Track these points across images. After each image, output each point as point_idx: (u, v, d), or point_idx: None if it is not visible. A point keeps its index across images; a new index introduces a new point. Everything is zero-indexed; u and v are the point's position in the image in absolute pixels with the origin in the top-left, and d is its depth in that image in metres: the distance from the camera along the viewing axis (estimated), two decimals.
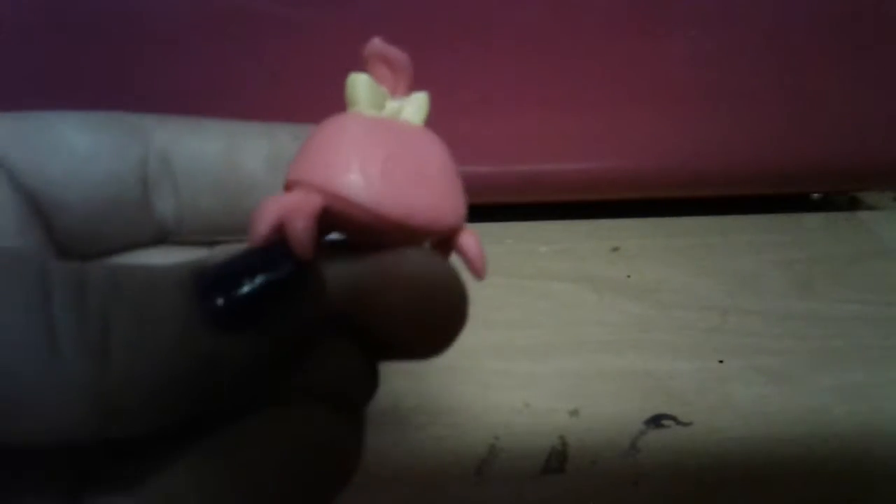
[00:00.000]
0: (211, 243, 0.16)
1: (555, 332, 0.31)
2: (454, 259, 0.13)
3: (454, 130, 0.13)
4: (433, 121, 0.13)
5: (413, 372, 0.28)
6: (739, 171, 0.38)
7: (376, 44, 0.13)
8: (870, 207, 0.43)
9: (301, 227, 0.11)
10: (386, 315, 0.12)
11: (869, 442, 0.26)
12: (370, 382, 0.13)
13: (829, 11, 0.33)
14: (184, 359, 0.10)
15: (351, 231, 0.12)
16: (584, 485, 0.24)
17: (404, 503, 0.23)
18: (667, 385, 0.28)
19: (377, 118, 0.13)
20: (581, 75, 0.34)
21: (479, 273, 0.13)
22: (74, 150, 0.14)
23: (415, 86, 0.13)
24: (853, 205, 0.43)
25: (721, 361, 0.29)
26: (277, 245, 0.11)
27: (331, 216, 0.12)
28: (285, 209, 0.11)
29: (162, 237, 0.16)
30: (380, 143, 0.12)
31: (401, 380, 0.27)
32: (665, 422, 0.26)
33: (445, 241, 0.13)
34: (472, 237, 0.13)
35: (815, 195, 0.42)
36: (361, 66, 0.13)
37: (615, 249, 0.37)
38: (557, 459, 0.24)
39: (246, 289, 0.10)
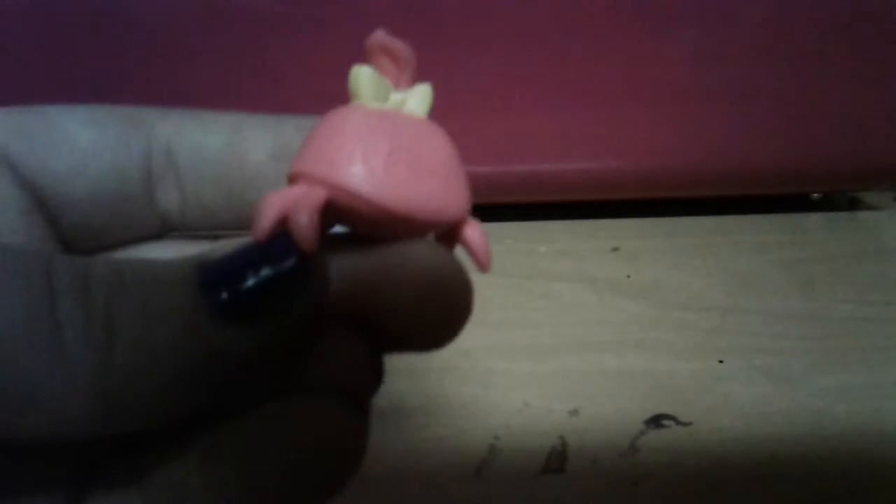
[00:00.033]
0: (215, 236, 0.16)
1: (555, 332, 0.31)
2: (459, 251, 0.13)
3: (454, 130, 0.13)
4: (435, 116, 0.13)
5: (413, 372, 0.28)
6: (739, 171, 0.38)
7: (379, 35, 0.13)
8: (870, 207, 0.43)
9: (305, 221, 0.11)
10: (390, 307, 0.12)
11: (869, 442, 0.26)
12: (375, 375, 0.13)
13: (829, 11, 0.33)
14: (188, 352, 0.10)
15: (355, 224, 0.12)
16: (584, 485, 0.24)
17: (404, 503, 0.23)
18: (667, 385, 0.28)
19: (381, 110, 0.13)
20: (581, 75, 0.34)
21: (483, 265, 0.13)
22: (77, 144, 0.14)
23: (417, 79, 0.13)
24: (853, 205, 0.43)
25: (721, 361, 0.29)
26: (281, 238, 0.11)
27: (335, 209, 0.12)
28: (289, 202, 0.11)
29: (166, 230, 0.16)
30: (383, 136, 0.12)
31: (401, 380, 0.27)
32: (665, 422, 0.26)
33: (450, 233, 0.13)
34: (477, 229, 0.13)
35: (815, 195, 0.42)
36: (364, 59, 0.13)
37: (615, 249, 0.37)
38: (557, 459, 0.24)
39: (250, 282, 0.10)
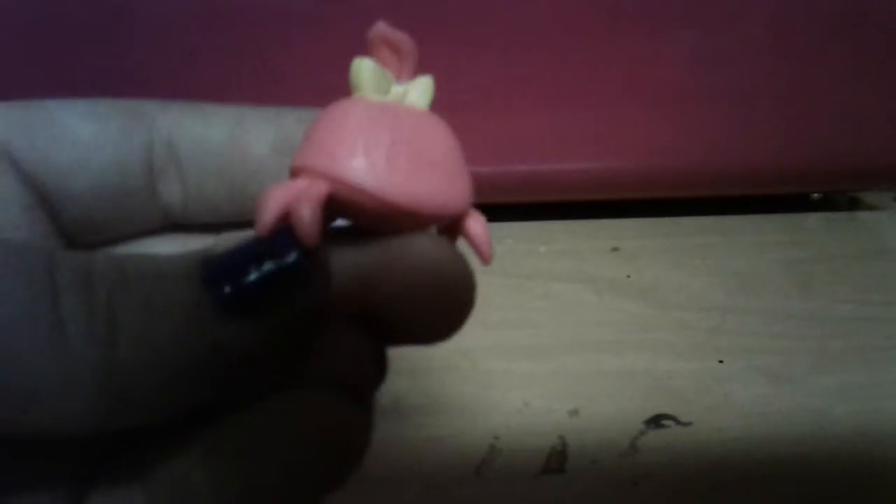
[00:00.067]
0: (217, 230, 0.16)
1: (555, 332, 0.31)
2: (461, 244, 0.13)
3: (454, 130, 0.13)
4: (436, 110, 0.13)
5: (413, 372, 0.28)
6: (739, 171, 0.38)
7: (381, 27, 0.13)
8: (870, 207, 0.43)
9: (307, 215, 0.11)
10: (393, 301, 0.12)
11: (869, 442, 0.26)
12: (378, 368, 0.13)
13: (829, 11, 0.33)
14: (191, 347, 0.10)
15: (357, 217, 0.12)
16: (584, 485, 0.24)
17: (404, 503, 0.23)
18: (667, 385, 0.28)
19: (382, 103, 0.13)
20: (581, 75, 0.34)
21: (485, 257, 0.13)
22: (79, 138, 0.14)
23: (418, 73, 0.13)
24: (853, 205, 0.43)
25: (721, 361, 0.29)
26: (283, 232, 0.11)
27: (337, 202, 0.12)
28: (291, 196, 0.11)
29: (168, 224, 0.16)
30: (385, 128, 0.12)
31: (401, 380, 0.27)
32: (665, 422, 0.26)
33: (452, 225, 0.13)
34: (479, 222, 0.13)
35: (815, 195, 0.42)
36: (366, 51, 0.13)
37: (615, 249, 0.37)
38: (557, 459, 0.24)
39: (253, 276, 0.10)
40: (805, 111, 0.36)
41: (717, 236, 0.39)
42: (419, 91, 0.13)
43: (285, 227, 0.11)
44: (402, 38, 0.13)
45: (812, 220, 0.41)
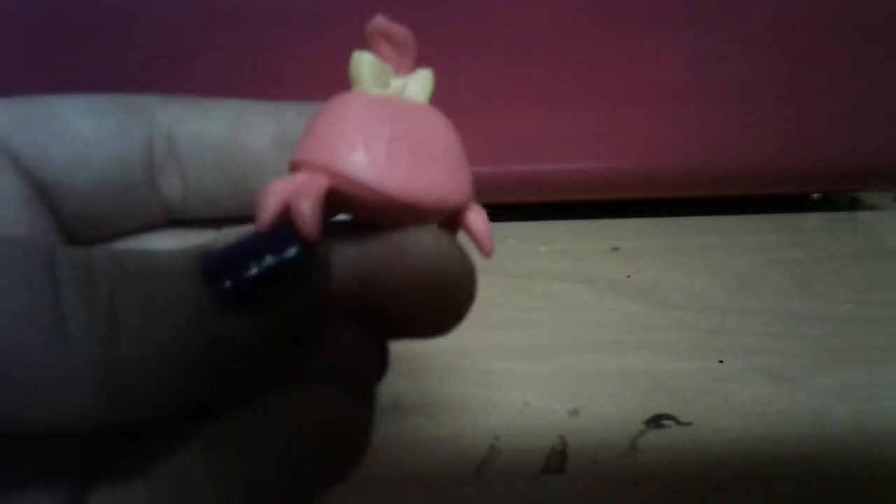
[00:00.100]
0: (218, 225, 0.16)
1: (555, 332, 0.31)
2: (462, 237, 0.13)
3: (453, 124, 0.13)
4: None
5: (413, 372, 0.28)
6: (739, 171, 0.38)
7: (379, 21, 0.13)
8: (870, 207, 0.43)
9: (307, 209, 0.11)
10: (394, 295, 0.12)
11: (869, 442, 0.26)
12: (379, 362, 0.13)
13: (829, 11, 0.33)
14: (192, 342, 0.10)
15: (358, 211, 0.12)
16: (584, 485, 0.24)
17: (404, 503, 0.23)
18: (667, 385, 0.28)
19: (382, 96, 0.13)
20: (581, 75, 0.34)
21: (486, 251, 0.13)
22: (79, 133, 0.14)
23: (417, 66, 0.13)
24: (853, 205, 0.43)
25: (721, 361, 0.29)
26: (284, 227, 0.11)
27: (337, 197, 0.12)
28: (291, 191, 0.11)
29: (169, 219, 0.16)
30: (385, 122, 0.12)
31: (401, 380, 0.27)
32: (665, 422, 0.26)
33: (453, 218, 0.13)
34: (480, 215, 0.13)
35: (815, 195, 0.42)
36: (365, 45, 0.13)
37: (615, 249, 0.37)
38: (557, 459, 0.24)
39: (253, 271, 0.10)
40: (805, 111, 0.36)
41: (717, 236, 0.39)
42: (419, 84, 0.13)
43: (285, 221, 0.11)
44: (400, 31, 0.13)
45: (812, 220, 0.41)
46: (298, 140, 0.12)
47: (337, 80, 0.13)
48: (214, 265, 0.10)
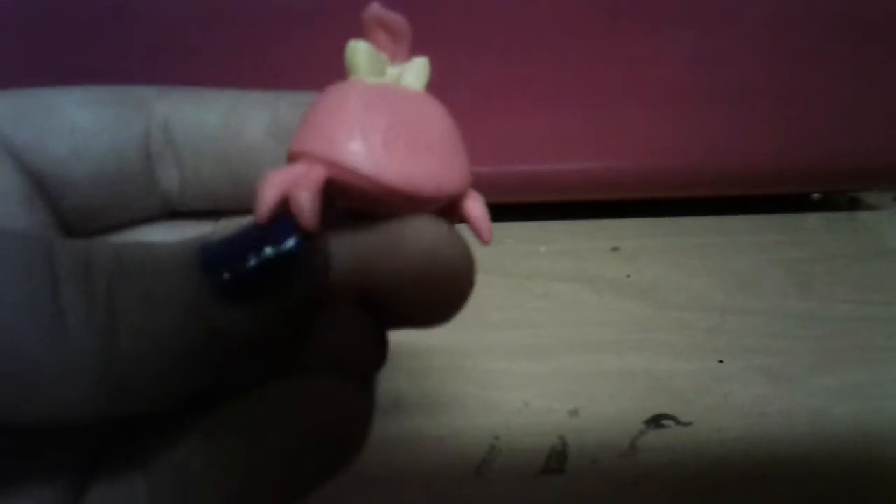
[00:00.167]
0: (217, 216, 0.16)
1: (555, 332, 0.31)
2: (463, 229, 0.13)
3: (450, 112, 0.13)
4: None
5: (413, 372, 0.28)
6: (739, 171, 0.38)
7: (375, 9, 0.13)
8: (870, 207, 0.43)
9: (306, 200, 0.11)
10: (393, 284, 0.12)
11: (869, 442, 0.26)
12: (379, 351, 0.13)
13: (829, 11, 0.33)
14: (191, 334, 0.10)
15: (356, 201, 0.12)
16: (584, 485, 0.24)
17: (404, 503, 0.23)
18: (667, 385, 0.28)
19: (378, 85, 0.12)
20: (581, 75, 0.34)
21: (484, 237, 0.13)
22: (76, 126, 0.14)
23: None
24: (853, 205, 0.43)
25: (721, 361, 0.29)
26: (282, 218, 0.11)
27: (335, 186, 0.12)
28: (289, 182, 0.11)
29: (167, 210, 0.16)
30: (381, 111, 0.12)
31: (401, 380, 0.27)
32: (665, 422, 0.26)
33: (451, 206, 0.13)
34: (477, 202, 0.13)
35: (815, 195, 0.42)
36: (360, 33, 0.13)
37: (615, 249, 0.37)
38: (557, 459, 0.24)
39: (252, 262, 0.10)
40: (805, 111, 0.36)
41: (717, 236, 0.39)
42: (415, 72, 0.13)
43: (284, 212, 0.11)
44: (396, 19, 0.13)
45: (812, 220, 0.41)
46: (295, 130, 0.12)
47: (337, 75, 0.13)
48: (213, 257, 0.10)
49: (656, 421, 0.26)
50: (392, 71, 0.13)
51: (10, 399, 0.09)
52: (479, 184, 0.14)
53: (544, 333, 0.31)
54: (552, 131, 0.35)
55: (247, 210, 0.11)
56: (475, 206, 0.13)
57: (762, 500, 0.23)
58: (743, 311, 0.32)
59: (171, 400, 0.10)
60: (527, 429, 0.26)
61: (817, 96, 0.35)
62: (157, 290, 0.10)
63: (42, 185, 0.14)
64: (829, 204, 0.42)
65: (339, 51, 0.13)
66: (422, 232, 0.12)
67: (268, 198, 0.11)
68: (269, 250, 0.11)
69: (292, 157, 0.12)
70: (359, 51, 0.12)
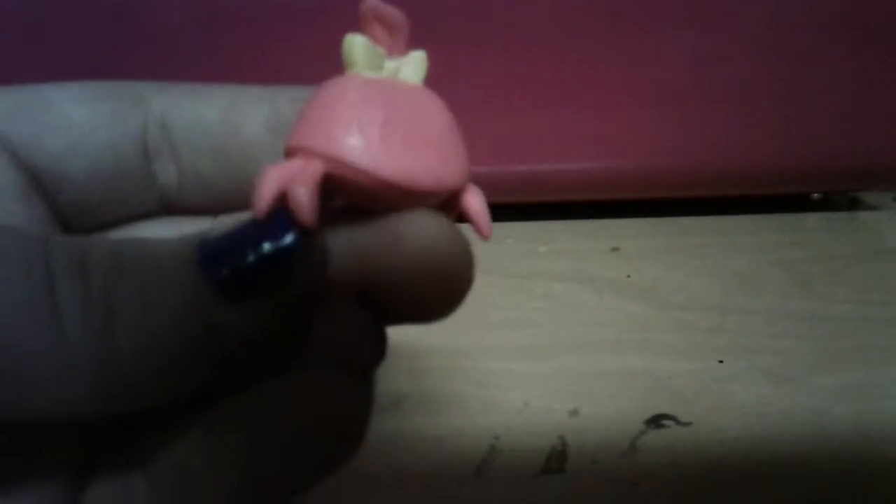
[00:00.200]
0: (215, 213, 0.16)
1: (555, 332, 0.31)
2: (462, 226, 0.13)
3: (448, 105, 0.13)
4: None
5: (413, 372, 0.28)
6: (739, 171, 0.38)
7: (371, 3, 0.13)
8: (870, 207, 0.43)
9: (304, 195, 0.11)
10: (392, 279, 0.12)
11: (869, 442, 0.26)
12: (378, 347, 0.13)
13: (829, 11, 0.33)
14: (189, 331, 0.10)
15: (354, 196, 0.12)
16: (584, 485, 0.24)
17: (404, 503, 0.23)
18: (667, 385, 0.28)
19: (375, 79, 0.12)
20: (581, 75, 0.34)
21: (483, 232, 0.13)
22: (73, 122, 0.14)
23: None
24: (853, 205, 0.43)
25: (721, 361, 0.29)
26: (281, 214, 0.11)
27: (333, 182, 0.11)
28: (287, 177, 0.11)
29: (165, 206, 0.16)
30: (379, 105, 0.12)
31: (401, 380, 0.27)
32: (665, 422, 0.26)
33: (450, 201, 0.13)
34: (477, 196, 0.13)
35: (815, 195, 0.42)
36: (357, 27, 0.13)
37: (615, 249, 0.37)
38: (557, 459, 0.24)
39: (250, 258, 0.10)
40: (805, 111, 0.36)
41: (717, 236, 0.39)
42: (412, 66, 0.13)
43: (282, 208, 0.11)
44: (393, 12, 0.13)
45: (812, 220, 0.41)
46: (293, 125, 0.12)
47: (338, 73, 0.13)
48: (211, 253, 0.10)
49: (656, 421, 0.26)
50: (390, 65, 0.13)
51: (8, 396, 0.09)
52: (479, 184, 0.14)
53: (544, 333, 0.31)
54: (552, 131, 0.35)
55: (246, 206, 0.11)
56: (474, 201, 0.13)
57: (762, 500, 0.23)
58: (743, 311, 0.32)
59: (170, 396, 0.10)
60: (527, 429, 0.26)
61: (817, 96, 0.35)
62: (154, 286, 0.10)
63: (39, 181, 0.14)
64: (829, 204, 0.42)
65: (340, 48, 0.13)
66: (420, 227, 0.12)
67: (265, 193, 0.11)
68: (266, 246, 0.11)
69: (290, 153, 0.12)
70: (356, 45, 0.12)
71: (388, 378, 0.27)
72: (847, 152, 0.37)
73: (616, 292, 0.34)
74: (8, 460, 0.10)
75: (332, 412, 0.11)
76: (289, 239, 0.11)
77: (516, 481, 0.24)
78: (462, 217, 0.13)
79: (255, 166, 0.12)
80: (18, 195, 0.13)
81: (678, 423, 0.26)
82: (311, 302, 0.11)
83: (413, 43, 0.13)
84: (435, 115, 0.13)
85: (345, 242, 0.12)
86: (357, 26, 0.13)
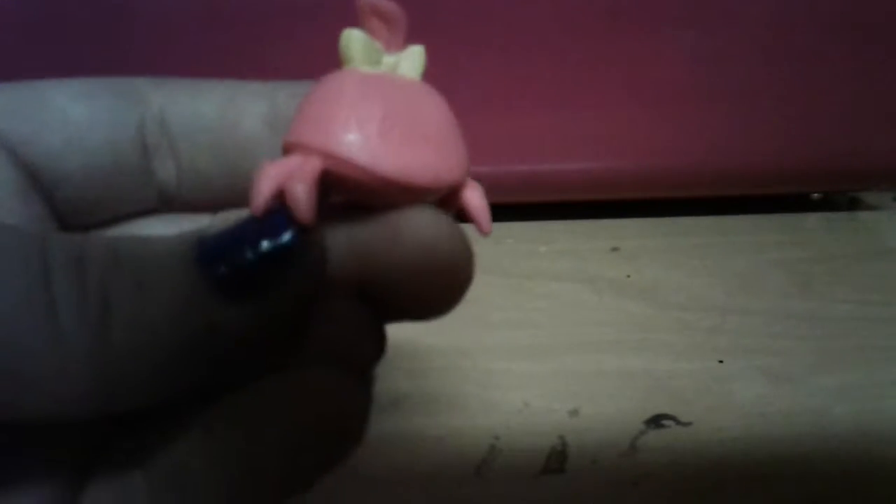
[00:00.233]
0: (214, 210, 0.16)
1: (555, 332, 0.31)
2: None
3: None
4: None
5: (413, 371, 0.28)
6: (739, 171, 0.38)
7: None
8: (870, 207, 0.43)
9: (301, 192, 0.11)
10: (391, 276, 0.12)
11: (869, 442, 0.25)
12: (377, 344, 0.13)
13: (829, 11, 0.33)
14: (186, 328, 0.10)
15: (352, 192, 0.12)
16: (584, 485, 0.24)
17: (404, 503, 0.23)
18: (667, 385, 0.28)
19: (373, 74, 0.12)
20: (581, 75, 0.34)
21: (483, 228, 0.13)
22: (70, 118, 0.14)
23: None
24: (853, 205, 0.43)
25: (721, 361, 0.29)
26: (278, 212, 0.11)
27: (331, 178, 0.11)
28: (284, 174, 0.11)
29: (164, 203, 0.16)
30: (376, 101, 0.12)
31: (401, 380, 0.27)
32: (665, 422, 0.26)
33: (449, 197, 0.13)
34: (476, 192, 0.13)
35: (815, 195, 0.42)
36: (356, 23, 0.13)
37: (615, 249, 0.37)
38: (557, 459, 0.24)
39: (248, 256, 0.10)
40: (805, 111, 0.36)
41: (717, 236, 0.39)
42: (411, 61, 0.13)
43: (280, 206, 0.11)
44: (390, 6, 0.13)
45: (812, 220, 0.41)
46: (291, 121, 0.12)
47: (338, 68, 0.13)
48: (208, 251, 0.10)
49: (656, 421, 0.26)
50: (388, 59, 0.13)
51: (6, 395, 0.09)
52: (479, 184, 0.14)
53: (544, 333, 0.31)
54: (552, 131, 0.35)
55: (245, 202, 0.11)
56: (474, 196, 0.13)
57: (762, 500, 0.23)
58: (743, 311, 0.32)
59: (168, 394, 0.10)
60: (527, 429, 0.26)
61: (817, 96, 0.35)
62: (151, 283, 0.10)
63: (36, 179, 0.13)
64: (829, 204, 0.42)
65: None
66: (420, 223, 0.12)
67: (263, 190, 0.11)
68: (265, 244, 0.10)
69: (287, 149, 0.12)
70: (353, 39, 0.12)
71: (388, 377, 0.27)
72: (847, 152, 0.37)
73: (616, 292, 0.34)
74: (8, 460, 0.10)
75: (330, 410, 0.11)
76: (287, 237, 0.11)
77: (516, 481, 0.24)
78: (462, 213, 0.13)
79: (254, 162, 0.12)
80: (16, 193, 0.13)
81: (678, 423, 0.26)
82: (309, 299, 0.11)
83: (412, 41, 0.13)
84: (433, 110, 0.12)
85: (343, 239, 0.12)
86: (355, 22, 0.13)
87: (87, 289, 0.09)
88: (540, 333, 0.31)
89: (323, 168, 0.11)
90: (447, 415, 0.26)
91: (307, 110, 0.12)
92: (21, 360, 0.09)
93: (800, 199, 0.42)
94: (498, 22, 0.32)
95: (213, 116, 0.15)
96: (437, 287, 0.12)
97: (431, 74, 0.13)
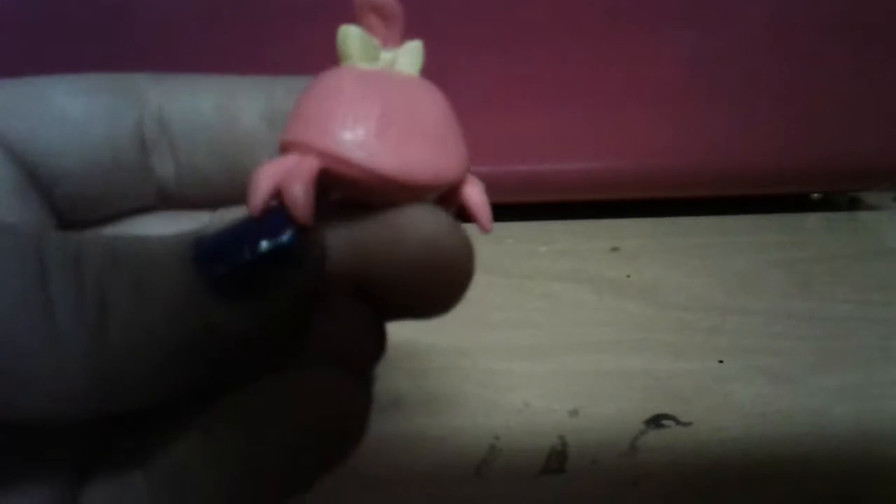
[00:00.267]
0: (213, 207, 0.16)
1: (555, 332, 0.31)
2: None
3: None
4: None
5: (413, 371, 0.28)
6: (739, 171, 0.38)
7: None
8: (870, 207, 0.43)
9: (299, 193, 0.11)
10: (390, 274, 0.12)
11: (869, 442, 0.25)
12: (377, 343, 0.13)
13: (829, 11, 0.33)
14: (184, 328, 0.10)
15: (351, 190, 0.12)
16: (584, 485, 0.24)
17: (404, 503, 0.23)
18: (667, 385, 0.28)
19: (371, 71, 0.12)
20: (581, 75, 0.34)
21: (484, 225, 0.13)
22: (68, 115, 0.14)
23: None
24: (853, 205, 0.43)
25: (721, 361, 0.29)
26: (276, 211, 0.11)
27: (329, 177, 0.11)
28: (282, 173, 0.11)
29: (163, 200, 0.15)
30: (374, 98, 0.12)
31: (401, 379, 0.27)
32: (665, 422, 0.26)
33: (449, 194, 0.13)
34: (476, 188, 0.13)
35: (815, 195, 0.42)
36: (352, 18, 0.13)
37: (615, 249, 0.37)
38: (557, 459, 0.24)
39: (247, 256, 0.10)
40: (805, 111, 0.36)
41: (717, 236, 0.39)
42: (409, 57, 0.13)
43: (278, 205, 0.11)
44: (388, 2, 0.12)
45: (812, 220, 0.41)
46: (288, 119, 0.12)
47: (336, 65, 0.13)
48: (207, 250, 0.10)
49: (656, 421, 0.26)
50: (385, 56, 0.13)
51: (4, 394, 0.09)
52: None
53: (544, 333, 0.31)
54: (552, 131, 0.35)
55: (244, 199, 0.11)
56: (474, 193, 0.13)
57: (762, 500, 0.23)
58: (743, 311, 0.32)
59: (166, 394, 0.10)
60: (527, 429, 0.26)
61: (817, 96, 0.35)
62: (148, 282, 0.10)
63: (34, 176, 0.13)
64: (829, 204, 0.42)
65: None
66: (419, 221, 0.12)
67: (260, 190, 0.11)
68: (263, 244, 0.10)
69: (285, 148, 0.12)
70: (350, 35, 0.12)
71: (388, 377, 0.27)
72: (847, 152, 0.37)
73: (616, 292, 0.34)
74: (7, 460, 0.10)
75: (330, 410, 0.11)
76: (285, 236, 0.11)
77: (516, 481, 0.24)
78: (463, 211, 0.13)
79: (252, 158, 0.12)
80: (13, 190, 0.13)
81: (678, 423, 0.26)
82: (308, 299, 0.11)
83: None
84: (432, 106, 0.12)
85: (343, 238, 0.12)
86: (353, 19, 0.13)
87: (85, 288, 0.09)
88: (540, 333, 0.31)
89: (321, 167, 0.11)
90: (447, 415, 0.26)
91: (304, 108, 0.12)
92: (18, 359, 0.09)
93: (800, 199, 0.42)
94: (498, 22, 0.32)
95: (211, 113, 0.15)
96: (438, 285, 0.12)
97: (431, 74, 0.13)
